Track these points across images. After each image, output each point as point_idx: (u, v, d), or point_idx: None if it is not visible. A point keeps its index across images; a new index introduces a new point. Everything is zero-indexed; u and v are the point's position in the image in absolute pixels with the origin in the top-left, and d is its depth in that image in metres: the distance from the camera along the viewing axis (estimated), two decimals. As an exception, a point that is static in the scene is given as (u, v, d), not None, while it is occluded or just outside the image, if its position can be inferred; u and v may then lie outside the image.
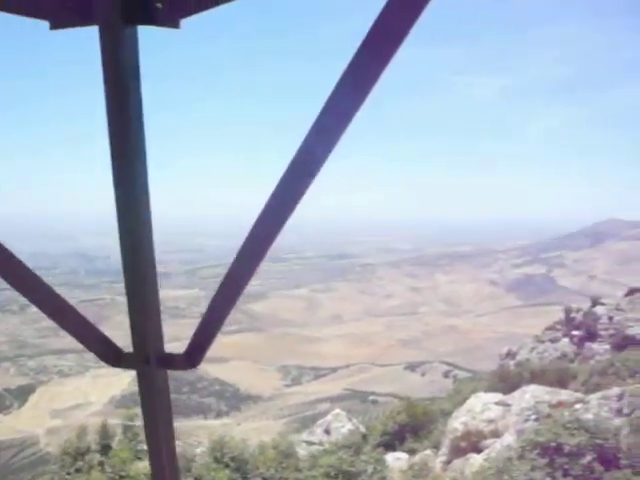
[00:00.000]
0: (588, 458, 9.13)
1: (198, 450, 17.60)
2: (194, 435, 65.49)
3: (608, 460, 9.31)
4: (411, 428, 20.42)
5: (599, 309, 54.50)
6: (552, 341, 52.31)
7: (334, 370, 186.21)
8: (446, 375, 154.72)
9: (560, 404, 15.82)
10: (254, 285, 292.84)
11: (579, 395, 17.20)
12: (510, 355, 53.24)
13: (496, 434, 14.91)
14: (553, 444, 9.16)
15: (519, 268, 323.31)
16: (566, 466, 8.92)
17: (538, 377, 22.83)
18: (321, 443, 17.80)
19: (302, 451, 16.85)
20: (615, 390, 16.58)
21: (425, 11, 1.45)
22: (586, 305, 57.54)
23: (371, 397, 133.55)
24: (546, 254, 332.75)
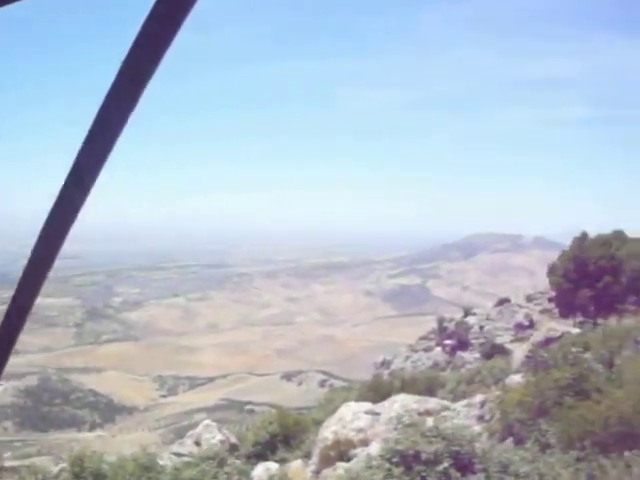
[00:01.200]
0: (445, 464, 9.55)
1: (59, 466, 17.04)
2: (66, 449, 63.38)
3: (464, 466, 9.76)
4: (283, 438, 20.51)
5: (470, 319, 56.63)
6: (426, 350, 53.90)
7: (211, 380, 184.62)
8: (322, 384, 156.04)
9: (427, 412, 16.37)
10: (131, 293, 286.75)
11: (446, 403, 17.81)
12: (385, 364, 54.41)
13: (365, 443, 15.20)
14: (411, 452, 9.52)
15: (395, 279, 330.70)
16: (423, 473, 9.29)
17: (408, 386, 23.43)
18: (191, 455, 17.63)
19: (170, 463, 16.65)
20: (478, 397, 17.32)
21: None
22: (459, 315, 59.65)
23: (248, 407, 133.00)
24: (421, 265, 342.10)
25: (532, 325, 50.92)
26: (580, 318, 50.60)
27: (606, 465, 9.46)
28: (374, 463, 9.94)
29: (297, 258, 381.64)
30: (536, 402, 11.80)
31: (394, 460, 9.53)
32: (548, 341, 22.76)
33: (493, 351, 39.52)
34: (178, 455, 18.71)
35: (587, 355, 13.00)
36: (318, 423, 19.72)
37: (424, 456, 9.43)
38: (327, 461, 15.51)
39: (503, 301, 62.09)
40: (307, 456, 17.80)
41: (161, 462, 16.60)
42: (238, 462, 17.09)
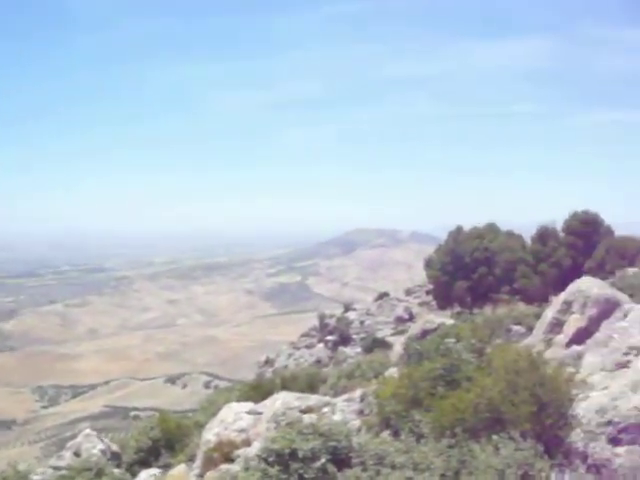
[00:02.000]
0: (322, 460, 9.72)
1: None
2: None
3: (341, 460, 9.97)
4: (166, 442, 20.29)
5: (351, 314, 57.64)
6: (308, 347, 54.43)
7: (93, 387, 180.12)
8: (207, 386, 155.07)
9: (309, 409, 16.55)
10: (5, 302, 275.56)
11: (327, 399, 18.05)
12: (268, 362, 54.56)
13: (248, 443, 15.23)
14: (288, 450, 9.65)
15: (274, 277, 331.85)
16: (300, 471, 9.43)
17: (290, 383, 23.61)
18: (69, 467, 17.10)
19: (45, 477, 16.13)
20: (358, 392, 17.65)
21: None
22: (340, 311, 60.56)
23: (133, 412, 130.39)
24: (301, 262, 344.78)
25: (412, 318, 52.30)
26: (458, 309, 52.44)
27: (476, 449, 9.90)
28: (252, 464, 10.02)
29: (176, 259, 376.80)
30: (410, 394, 12.18)
31: (270, 460, 9.62)
32: (425, 333, 23.38)
33: (374, 345, 40.26)
34: (56, 468, 18.12)
35: (458, 345, 13.50)
36: (201, 426, 19.59)
37: (301, 454, 9.58)
38: (211, 464, 15.45)
39: (383, 295, 63.56)
40: (191, 460, 17.68)
41: (35, 477, 16.01)
42: (117, 471, 16.76)
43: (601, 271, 37.66)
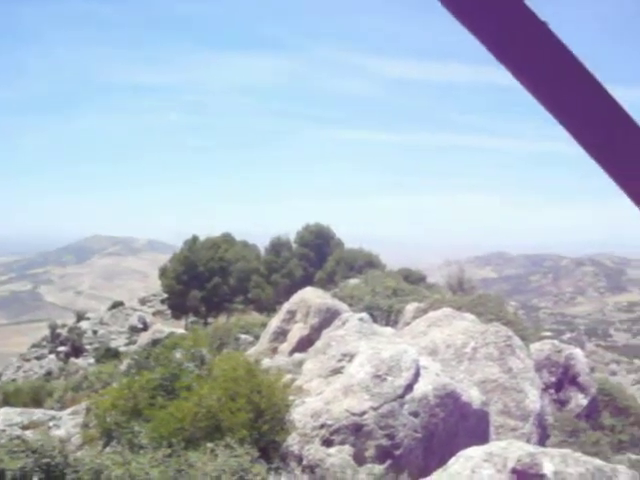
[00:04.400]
0: (35, 479, 9.24)
1: None
2: None
3: (55, 477, 9.54)
4: None
5: (84, 324, 55.43)
6: (38, 358, 51.49)
7: None
8: None
9: (33, 424, 15.68)
10: None
11: (52, 413, 17.25)
12: (-2, 376, 50.87)
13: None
14: (-4, 472, 9.05)
15: (4, 285, 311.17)
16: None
17: (12, 398, 22.33)
18: None
19: None
20: (84, 404, 17.02)
21: None
22: (72, 320, 58.02)
23: None
24: (32, 270, 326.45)
25: (146, 327, 51.44)
26: (192, 318, 52.42)
27: (193, 458, 9.93)
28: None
29: None
30: (130, 404, 11.96)
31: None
32: (154, 342, 23.17)
33: (107, 355, 39.07)
34: None
35: (179, 354, 13.48)
36: None
37: (10, 474, 9.00)
38: None
39: (117, 305, 61.94)
40: None
41: None
42: None
43: (331, 282, 39.45)
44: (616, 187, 1.24)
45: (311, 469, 11.19)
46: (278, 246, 51.98)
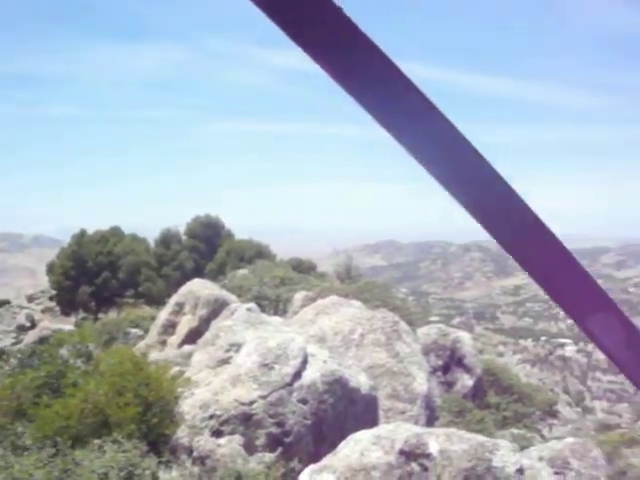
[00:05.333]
0: None
1: None
2: None
3: None
4: None
5: (-34, 325, 53.09)
6: None
7: None
8: None
9: None
10: None
11: None
12: None
13: None
14: None
15: None
16: None
17: None
18: None
19: None
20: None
21: None
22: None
23: None
24: None
25: (34, 326, 49.78)
26: (83, 314, 51.09)
27: (80, 456, 9.76)
28: None
29: None
30: (13, 405, 11.62)
31: None
32: (42, 340, 22.52)
33: (-5, 355, 37.65)
34: None
35: (64, 351, 13.19)
36: None
37: None
38: None
39: (3, 303, 59.67)
40: None
41: None
42: None
43: (221, 273, 39.31)
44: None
45: (202, 460, 11.21)
46: (168, 238, 51.31)
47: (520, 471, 10.45)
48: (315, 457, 11.19)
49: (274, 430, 11.52)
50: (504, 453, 10.56)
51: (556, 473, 12.31)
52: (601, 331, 1.39)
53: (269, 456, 11.33)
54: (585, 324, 1.37)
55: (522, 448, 13.34)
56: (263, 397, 11.51)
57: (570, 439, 13.75)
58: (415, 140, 1.19)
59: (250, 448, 11.36)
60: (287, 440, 11.60)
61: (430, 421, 14.94)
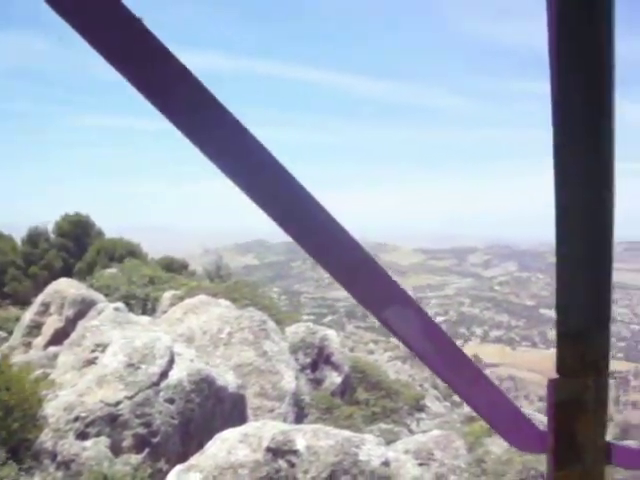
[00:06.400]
0: None
1: None
2: None
3: None
4: None
5: None
6: None
7: None
8: None
9: None
10: None
11: None
12: None
13: None
14: None
15: None
16: None
17: None
18: None
19: None
20: None
21: None
22: None
23: None
24: None
25: None
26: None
27: None
28: None
29: None
30: None
31: None
32: None
33: None
34: None
35: None
36: None
37: None
38: None
39: None
40: None
41: None
42: None
43: (91, 272, 38.31)
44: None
45: (66, 465, 11.00)
46: (35, 237, 49.39)
47: (386, 464, 10.84)
48: (183, 457, 11.22)
49: (141, 431, 11.45)
50: (370, 447, 10.92)
51: (420, 464, 12.79)
52: (398, 323, 1.58)
53: (136, 457, 11.25)
54: (382, 316, 1.55)
55: (389, 442, 13.80)
56: (129, 397, 11.42)
57: (435, 432, 14.28)
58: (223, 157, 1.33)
59: (116, 450, 11.24)
60: (154, 440, 11.55)
61: (299, 418, 15.21)
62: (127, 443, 11.38)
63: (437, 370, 1.69)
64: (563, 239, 1.24)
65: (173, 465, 10.93)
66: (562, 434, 1.48)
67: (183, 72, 1.22)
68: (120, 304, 16.43)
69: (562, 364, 1.42)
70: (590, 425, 1.46)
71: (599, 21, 1.08)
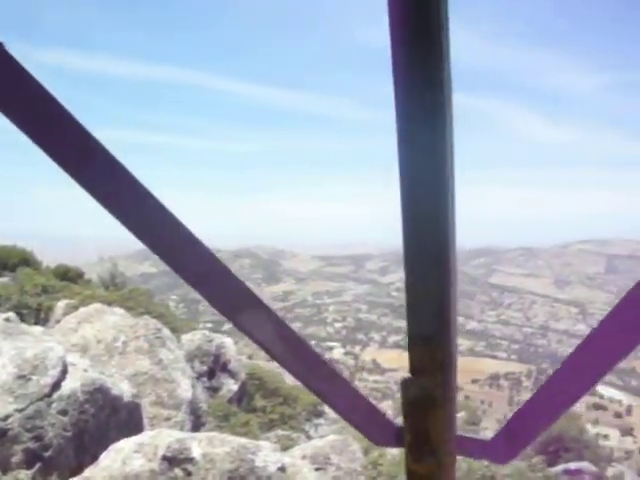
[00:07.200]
0: None
1: None
2: None
3: None
4: None
5: None
6: None
7: None
8: None
9: None
10: None
11: None
12: None
13: None
14: None
15: None
16: None
17: None
18: None
19: None
20: None
21: None
22: None
23: None
24: None
25: None
26: None
27: None
28: None
29: None
30: None
31: None
32: None
33: None
34: None
35: None
36: None
37: None
38: None
39: None
40: None
41: None
42: None
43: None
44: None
45: None
46: None
47: (282, 469, 10.89)
48: (77, 470, 10.95)
49: (32, 445, 11.08)
50: (266, 453, 10.95)
51: (317, 469, 12.91)
52: (253, 327, 1.62)
53: (26, 473, 10.88)
54: (237, 321, 1.59)
55: (287, 448, 13.88)
56: (19, 410, 11.04)
57: (332, 436, 14.40)
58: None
59: (5, 466, 10.85)
60: (46, 454, 11.21)
61: (196, 427, 15.10)
62: (17, 459, 10.99)
63: (294, 372, 1.75)
64: (410, 244, 1.30)
65: (66, 479, 10.66)
66: (416, 429, 1.58)
67: (21, 72, 1.22)
68: (11, 314, 15.89)
69: (414, 364, 1.50)
70: (441, 420, 1.55)
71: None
